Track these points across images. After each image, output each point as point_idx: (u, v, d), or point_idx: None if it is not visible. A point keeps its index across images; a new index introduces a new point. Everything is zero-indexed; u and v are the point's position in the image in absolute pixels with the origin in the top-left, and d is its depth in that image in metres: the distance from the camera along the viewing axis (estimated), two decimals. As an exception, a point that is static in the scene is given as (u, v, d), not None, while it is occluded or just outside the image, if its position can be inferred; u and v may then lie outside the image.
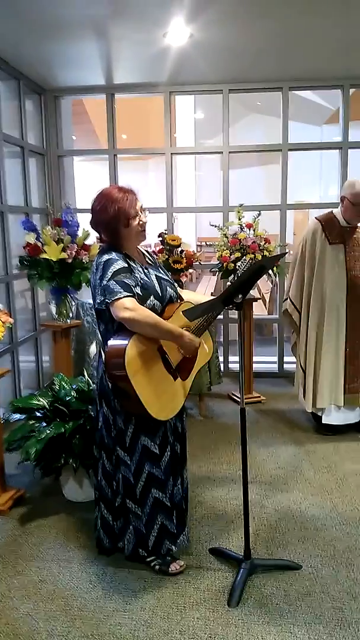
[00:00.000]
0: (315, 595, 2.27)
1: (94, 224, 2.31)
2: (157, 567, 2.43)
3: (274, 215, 5.08)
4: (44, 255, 3.44)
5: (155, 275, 2.37)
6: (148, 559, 2.45)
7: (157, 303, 2.27)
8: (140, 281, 2.24)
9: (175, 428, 2.46)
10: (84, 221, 3.69)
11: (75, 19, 3.39)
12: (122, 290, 2.11)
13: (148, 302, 2.23)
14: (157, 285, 2.32)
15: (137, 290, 2.20)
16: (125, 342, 2.11)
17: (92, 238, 3.63)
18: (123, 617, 2.17)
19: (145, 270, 2.33)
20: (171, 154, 5.14)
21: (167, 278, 2.45)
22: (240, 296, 2.26)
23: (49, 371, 5.02)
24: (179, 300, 2.44)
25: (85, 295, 4.44)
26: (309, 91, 8.08)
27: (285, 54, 4.16)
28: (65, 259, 3.44)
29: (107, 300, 2.14)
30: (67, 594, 2.31)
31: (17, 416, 3.02)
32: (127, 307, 2.08)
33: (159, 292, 2.31)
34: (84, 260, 3.56)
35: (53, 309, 3.75)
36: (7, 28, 3.52)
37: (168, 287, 2.38)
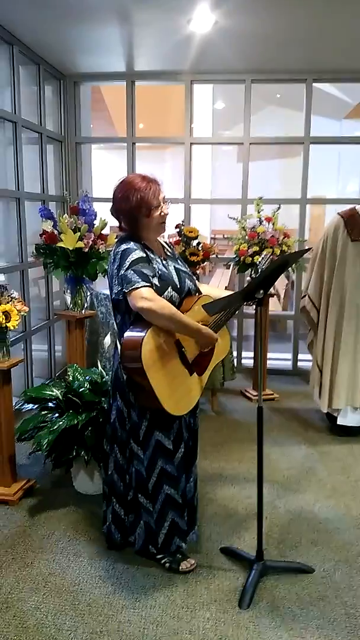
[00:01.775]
0: (328, 600, 2.23)
1: (115, 211, 2.25)
2: (167, 564, 2.40)
3: (290, 210, 4.99)
4: (61, 244, 3.38)
5: (174, 267, 2.32)
6: (158, 556, 2.41)
7: (175, 295, 2.22)
8: (158, 272, 2.19)
9: (188, 423, 2.42)
10: (100, 210, 3.64)
11: (98, 3, 3.31)
12: (139, 280, 2.06)
13: (166, 293, 2.18)
14: (175, 277, 2.27)
15: (155, 281, 2.15)
16: (142, 334, 2.06)
17: (109, 227, 3.58)
18: (132, 614, 2.14)
19: (164, 262, 2.29)
20: (190, 144, 5.06)
21: (186, 270, 2.40)
22: (261, 292, 2.20)
23: (61, 360, 4.99)
24: (197, 294, 2.39)
25: (99, 286, 4.39)
26: (328, 85, 7.95)
27: (310, 45, 4.06)
28: (81, 248, 3.39)
29: (124, 289, 2.09)
30: (75, 588, 2.28)
31: (29, 406, 2.99)
32: (145, 297, 2.03)
33: (177, 284, 2.26)
34: (100, 250, 3.50)
35: (68, 298, 3.70)
36: (29, 11, 3.45)
37: (187, 280, 2.33)
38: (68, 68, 4.73)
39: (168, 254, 2.40)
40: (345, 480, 3.23)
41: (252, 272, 4.31)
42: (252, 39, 3.92)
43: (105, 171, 6.33)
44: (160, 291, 2.15)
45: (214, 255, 4.40)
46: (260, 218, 4.25)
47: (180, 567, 2.38)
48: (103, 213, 3.41)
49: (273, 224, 4.22)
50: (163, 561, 2.41)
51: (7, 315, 2.74)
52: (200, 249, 4.21)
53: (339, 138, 6.29)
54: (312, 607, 2.18)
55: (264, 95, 10.25)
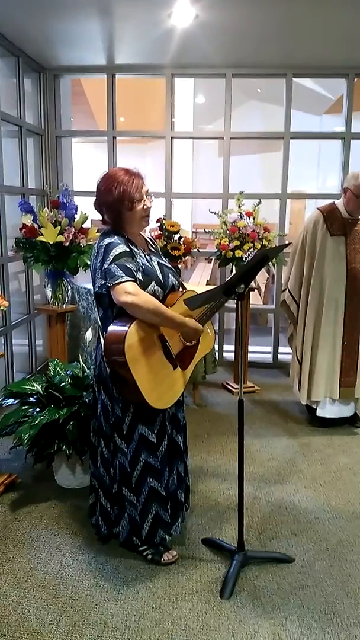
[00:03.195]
0: (308, 589, 2.26)
1: (98, 204, 2.25)
2: (149, 556, 2.42)
3: (270, 204, 5.02)
4: (41, 238, 3.36)
5: (158, 262, 2.33)
6: (140, 548, 2.43)
7: (158, 289, 2.23)
8: (142, 266, 2.20)
9: (175, 418, 2.44)
10: (81, 204, 3.62)
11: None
12: (123, 274, 2.07)
13: (149, 288, 2.19)
14: (159, 271, 2.28)
15: (139, 275, 2.16)
16: (126, 327, 2.06)
17: (90, 221, 3.57)
18: (114, 606, 2.15)
19: (148, 257, 2.29)
20: (171, 138, 5.06)
21: (170, 266, 2.41)
22: (242, 286, 2.22)
23: (42, 355, 4.97)
24: (181, 289, 2.40)
25: (80, 280, 4.38)
26: (309, 80, 7.99)
27: (290, 40, 4.08)
28: (62, 242, 3.37)
29: (107, 284, 2.09)
30: (57, 582, 2.29)
31: (10, 401, 2.98)
32: (129, 292, 2.04)
33: (161, 278, 2.27)
34: (81, 244, 3.49)
35: (48, 292, 3.68)
36: (8, 3, 3.41)
37: (170, 275, 2.34)
38: (48, 61, 4.68)
39: (152, 249, 2.41)
40: (324, 470, 3.28)
41: (234, 265, 4.34)
42: (232, 33, 3.93)
43: (86, 165, 6.31)
44: (143, 286, 2.15)
45: (196, 250, 4.41)
46: (241, 213, 4.27)
47: (162, 559, 2.40)
48: (84, 207, 3.39)
49: (254, 218, 4.25)
50: (145, 553, 2.43)
51: (-13, 309, 2.72)
52: (181, 243, 4.22)
53: (319, 133, 6.32)
54: (292, 597, 2.22)
55: (245, 89, 10.27)
